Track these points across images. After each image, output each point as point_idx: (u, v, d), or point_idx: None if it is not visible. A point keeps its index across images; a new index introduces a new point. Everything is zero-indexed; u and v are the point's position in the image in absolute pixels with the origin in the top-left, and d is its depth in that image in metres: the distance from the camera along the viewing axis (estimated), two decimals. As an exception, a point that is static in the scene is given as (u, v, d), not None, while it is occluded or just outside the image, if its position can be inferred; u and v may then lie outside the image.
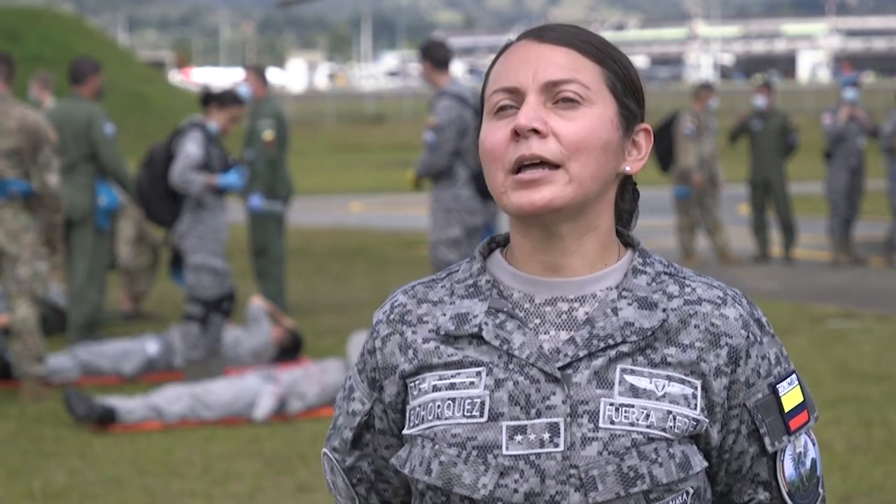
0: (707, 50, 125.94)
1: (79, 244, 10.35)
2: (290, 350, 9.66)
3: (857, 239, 15.19)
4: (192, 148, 8.65)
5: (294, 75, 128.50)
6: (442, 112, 8.90)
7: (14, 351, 8.70)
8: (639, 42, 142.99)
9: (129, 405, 7.99)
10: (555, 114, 1.88)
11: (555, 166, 1.87)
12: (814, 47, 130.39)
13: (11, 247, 8.53)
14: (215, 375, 8.71)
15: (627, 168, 1.94)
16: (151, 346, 9.41)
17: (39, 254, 8.66)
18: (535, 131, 1.86)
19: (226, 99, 9.00)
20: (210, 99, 8.96)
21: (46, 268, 8.74)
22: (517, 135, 1.86)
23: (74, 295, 10.37)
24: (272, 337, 9.64)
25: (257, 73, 11.81)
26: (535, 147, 1.86)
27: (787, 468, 1.96)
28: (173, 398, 8.06)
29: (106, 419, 7.88)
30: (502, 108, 1.90)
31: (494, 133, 1.90)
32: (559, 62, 1.89)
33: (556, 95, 1.88)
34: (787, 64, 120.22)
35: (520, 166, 1.87)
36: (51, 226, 8.76)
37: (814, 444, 2.00)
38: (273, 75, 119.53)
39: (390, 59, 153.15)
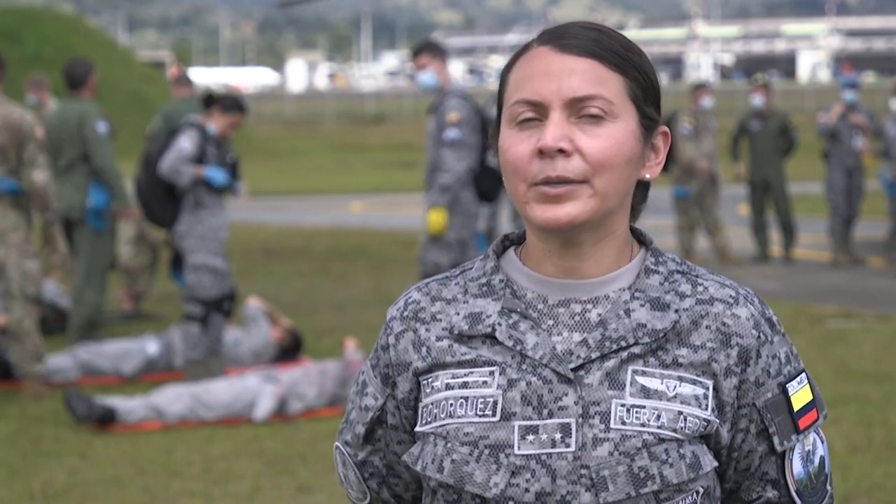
0: (707, 50, 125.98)
1: (78, 245, 10.36)
2: (290, 350, 9.66)
3: (856, 239, 15.19)
4: (184, 143, 8.65)
5: (294, 75, 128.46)
6: (459, 108, 8.79)
7: (13, 352, 8.69)
8: (639, 42, 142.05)
9: (129, 405, 7.99)
10: (579, 130, 1.87)
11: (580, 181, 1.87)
12: (814, 47, 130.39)
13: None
14: (215, 375, 8.71)
15: (647, 175, 1.96)
16: (151, 346, 9.41)
17: (28, 253, 8.59)
18: (561, 151, 1.85)
19: (229, 104, 8.98)
20: (213, 101, 8.95)
21: (37, 266, 8.69)
22: (542, 153, 1.86)
23: (74, 295, 10.37)
24: (272, 337, 9.64)
25: (179, 76, 12.09)
26: (561, 167, 1.85)
27: (796, 466, 1.97)
28: (173, 398, 8.06)
29: (106, 419, 7.88)
30: (525, 121, 1.89)
31: (517, 146, 1.89)
32: (583, 76, 1.88)
33: (581, 111, 1.87)
34: (787, 64, 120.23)
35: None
36: (46, 223, 8.75)
37: (823, 442, 2.01)
38: (266, 76, 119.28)
39: (390, 59, 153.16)
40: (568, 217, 1.86)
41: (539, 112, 1.88)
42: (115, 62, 33.46)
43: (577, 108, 1.87)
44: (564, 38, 1.91)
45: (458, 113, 8.74)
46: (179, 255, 8.98)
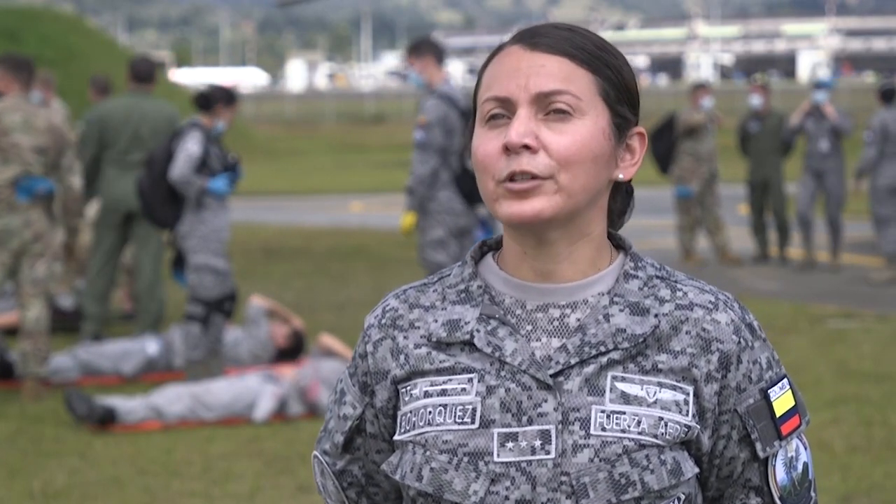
0: (707, 50, 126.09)
1: (144, 239, 10.27)
2: (290, 351, 9.62)
3: (854, 239, 15.16)
4: (192, 146, 8.65)
5: (294, 75, 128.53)
6: (429, 110, 8.82)
7: (21, 350, 8.71)
8: (639, 42, 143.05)
9: (129, 405, 7.99)
10: (546, 126, 1.86)
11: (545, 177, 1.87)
12: (814, 47, 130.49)
13: (35, 246, 8.62)
14: (215, 375, 8.71)
15: (620, 175, 1.93)
16: (151, 346, 9.41)
17: (58, 255, 8.77)
18: (526, 147, 1.85)
19: (230, 98, 9.04)
20: (218, 98, 8.91)
21: (62, 269, 8.84)
22: (508, 149, 1.86)
23: (143, 292, 10.30)
24: (272, 337, 9.62)
25: (96, 82, 12.51)
26: (525, 163, 1.85)
27: (779, 473, 1.95)
28: (173, 398, 8.06)
29: (106, 419, 7.89)
30: (493, 117, 1.89)
31: (486, 143, 1.89)
32: (551, 72, 1.87)
33: (548, 106, 1.86)
34: (787, 64, 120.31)
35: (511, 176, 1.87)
36: (72, 230, 8.88)
37: (806, 448, 1.99)
38: (257, 76, 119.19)
39: (390, 59, 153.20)
40: (533, 211, 1.85)
41: (507, 108, 1.88)
42: (115, 62, 33.43)
43: (545, 104, 1.86)
44: (536, 36, 1.91)
45: (427, 115, 8.77)
46: (181, 255, 8.97)
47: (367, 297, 12.56)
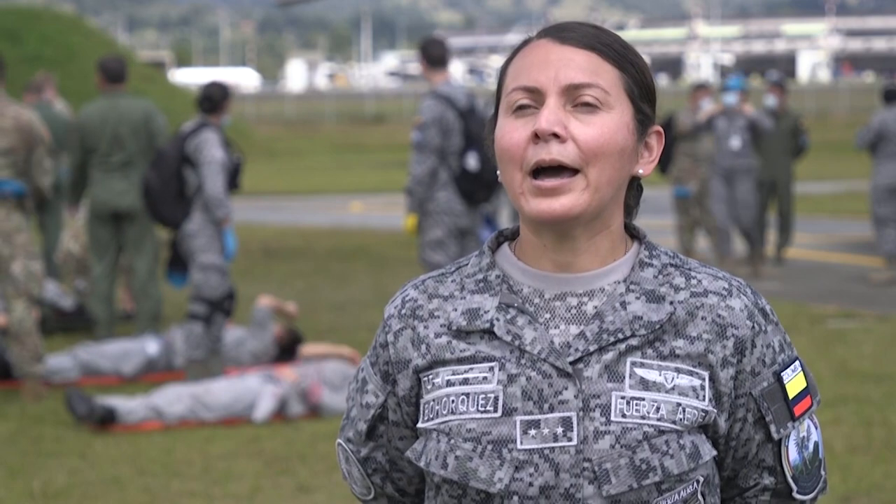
0: (707, 50, 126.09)
1: (137, 241, 10.24)
2: (288, 350, 9.61)
3: (854, 239, 15.14)
4: (217, 153, 8.60)
5: (294, 75, 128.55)
6: (425, 110, 8.86)
7: (13, 352, 8.69)
8: (639, 42, 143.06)
9: (129, 405, 7.99)
10: (574, 118, 1.89)
11: (573, 171, 1.89)
12: (814, 47, 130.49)
13: (4, 248, 8.51)
14: (215, 375, 8.71)
15: (640, 171, 1.98)
16: (151, 346, 9.40)
17: (32, 254, 8.62)
18: (556, 135, 1.87)
19: (228, 91, 9.04)
20: (221, 98, 8.89)
21: (41, 267, 8.70)
22: (537, 137, 1.88)
23: (138, 292, 10.25)
24: (277, 339, 9.60)
25: (42, 84, 12.53)
26: (555, 152, 1.88)
27: (792, 453, 2.01)
28: (173, 399, 8.06)
29: (106, 419, 7.89)
30: (521, 108, 1.91)
31: (512, 133, 1.91)
32: (580, 65, 1.91)
33: (576, 99, 1.90)
34: (787, 64, 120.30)
35: (538, 169, 1.89)
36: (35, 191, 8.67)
37: (816, 428, 2.05)
38: (248, 76, 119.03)
39: (390, 59, 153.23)
40: (563, 209, 1.88)
41: (535, 99, 1.90)
42: (115, 62, 33.44)
43: (573, 97, 1.90)
44: (564, 31, 1.95)
45: (423, 115, 8.82)
46: (179, 256, 8.94)
47: (367, 297, 12.56)
